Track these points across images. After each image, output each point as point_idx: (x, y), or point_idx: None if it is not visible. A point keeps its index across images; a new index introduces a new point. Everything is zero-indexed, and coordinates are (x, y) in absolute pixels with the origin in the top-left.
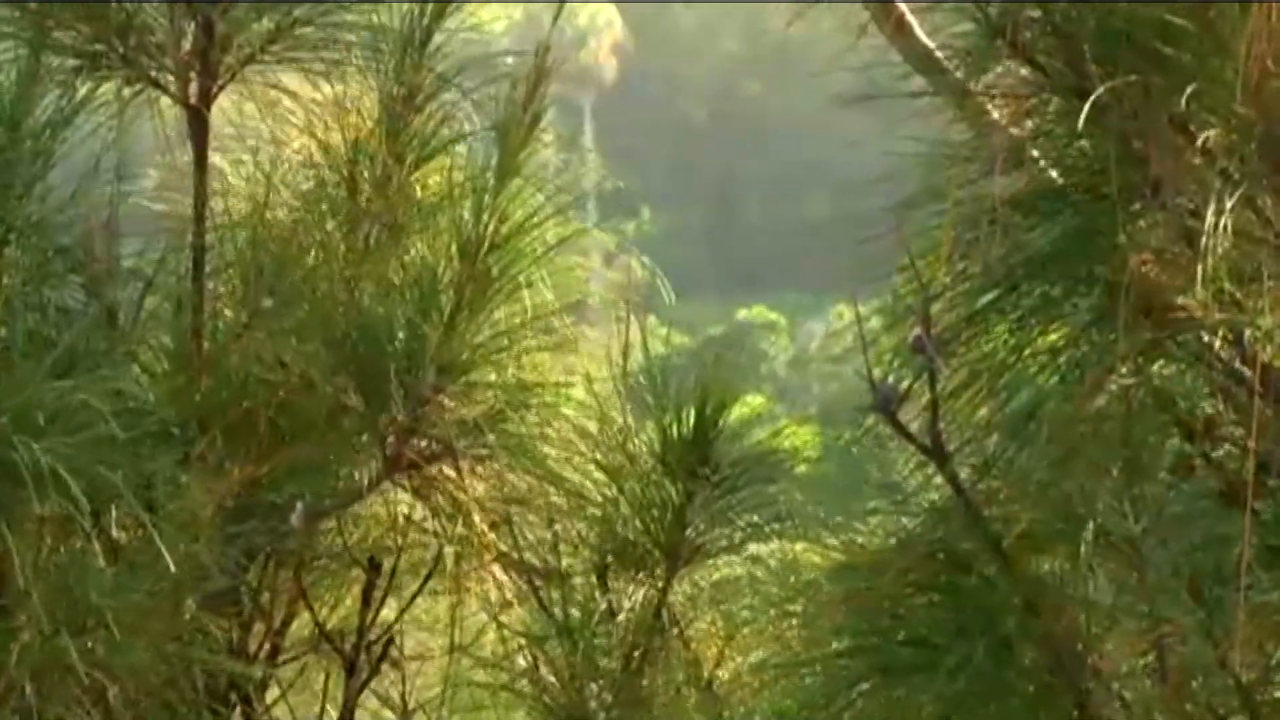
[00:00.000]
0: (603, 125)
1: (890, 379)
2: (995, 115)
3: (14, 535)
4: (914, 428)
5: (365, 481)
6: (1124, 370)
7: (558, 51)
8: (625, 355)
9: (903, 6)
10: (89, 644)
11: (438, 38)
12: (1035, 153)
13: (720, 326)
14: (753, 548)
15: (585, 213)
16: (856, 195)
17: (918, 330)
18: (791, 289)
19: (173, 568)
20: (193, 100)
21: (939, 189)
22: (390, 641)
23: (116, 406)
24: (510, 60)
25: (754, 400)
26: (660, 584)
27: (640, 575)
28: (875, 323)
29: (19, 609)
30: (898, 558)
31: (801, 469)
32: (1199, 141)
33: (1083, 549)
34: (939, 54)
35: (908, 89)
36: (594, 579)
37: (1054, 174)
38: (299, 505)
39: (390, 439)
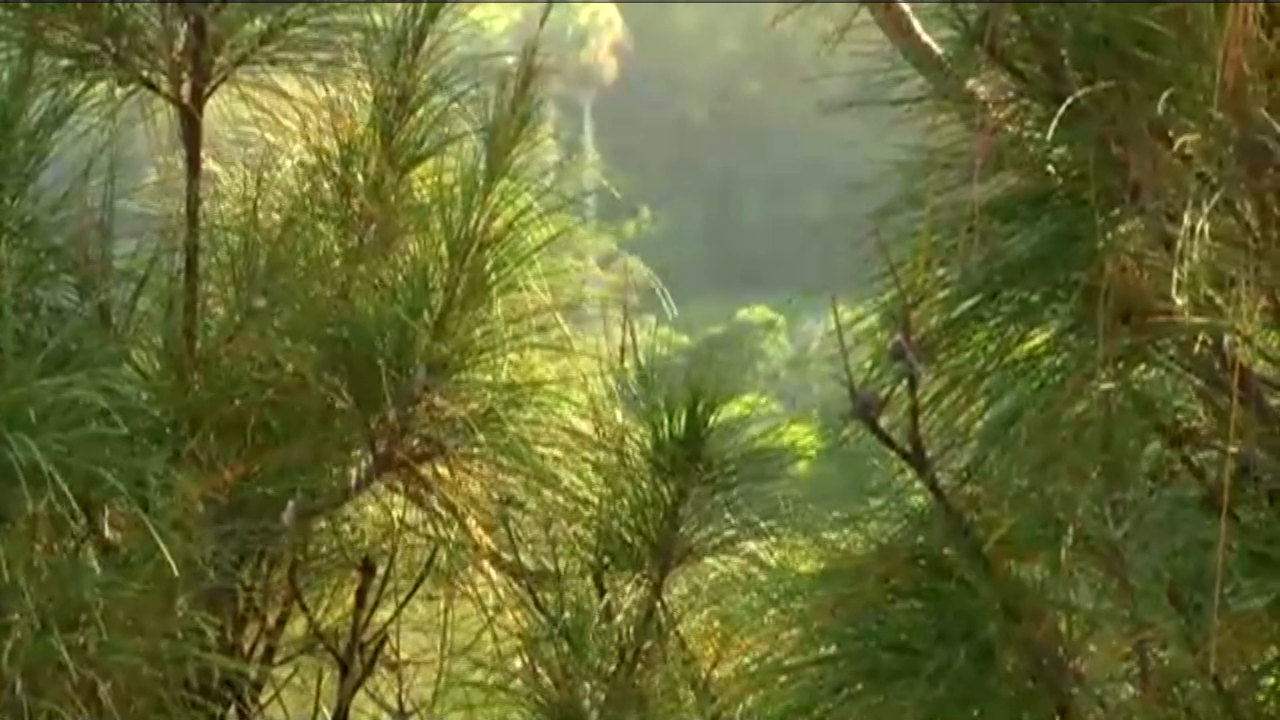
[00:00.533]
0: (603, 125)
1: (869, 385)
2: (977, 121)
3: (5, 532)
4: (896, 433)
5: (355, 480)
6: (1104, 375)
7: (556, 51)
8: (622, 355)
9: (904, 6)
10: (80, 641)
11: (430, 39)
12: (1014, 158)
13: (720, 326)
14: (748, 546)
15: (585, 214)
16: (856, 196)
17: (898, 336)
18: (792, 289)
19: (172, 564)
20: (185, 101)
21: (918, 195)
22: (384, 642)
23: (109, 405)
24: (510, 60)
25: (747, 398)
26: (653, 583)
27: (636, 575)
28: (873, 321)
29: (11, 606)
30: (879, 563)
31: (801, 467)
32: (1177, 146)
33: (1063, 554)
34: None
35: (902, 92)
36: (589, 579)
37: (1033, 180)
38: (290, 504)
39: (381, 438)
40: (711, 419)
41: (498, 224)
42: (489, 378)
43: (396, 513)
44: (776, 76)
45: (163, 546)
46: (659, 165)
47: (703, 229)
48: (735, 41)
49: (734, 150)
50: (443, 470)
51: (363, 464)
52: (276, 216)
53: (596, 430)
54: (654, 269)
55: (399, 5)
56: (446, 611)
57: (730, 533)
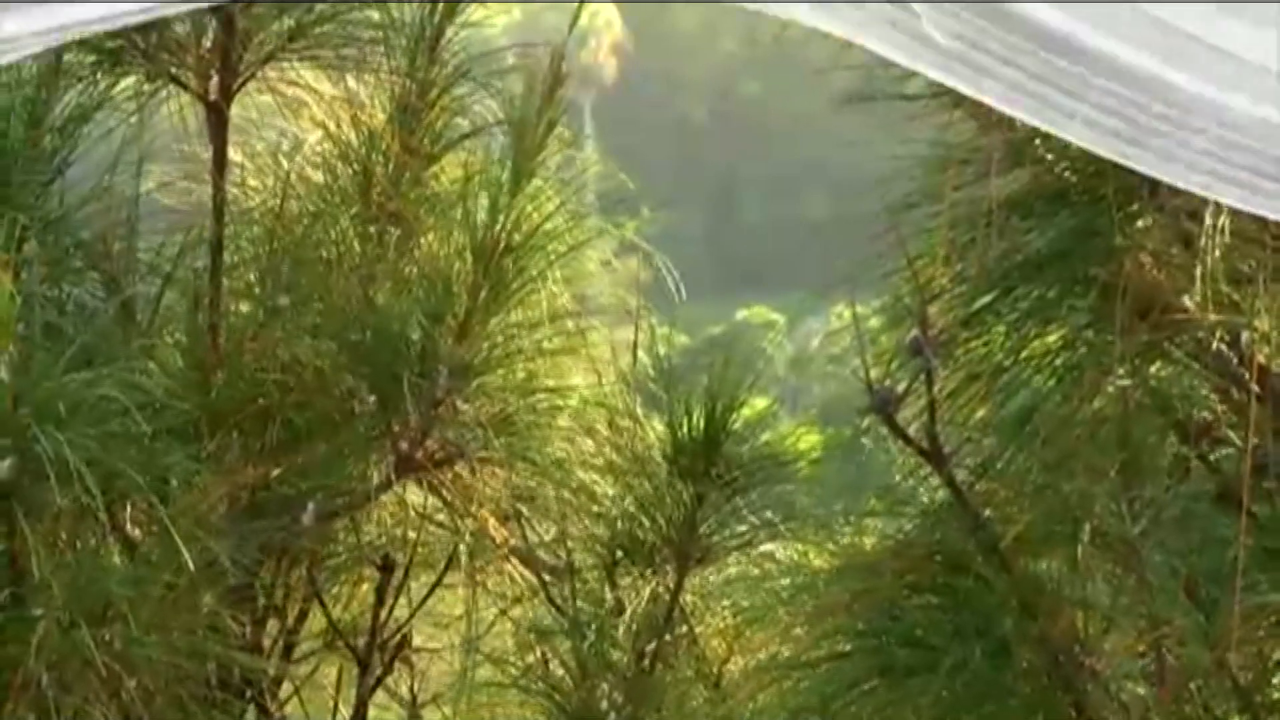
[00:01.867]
0: (603, 125)
1: (887, 380)
2: (993, 117)
3: (32, 527)
4: (912, 429)
5: (377, 482)
6: (1121, 372)
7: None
8: (635, 354)
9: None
10: (107, 636)
11: (451, 30)
12: (1032, 155)
13: (720, 326)
14: (766, 547)
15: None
16: (856, 195)
17: (915, 332)
18: (792, 289)
19: (189, 562)
20: (212, 97)
21: (936, 190)
22: (403, 639)
23: (134, 402)
24: (512, 59)
25: (761, 403)
26: (672, 584)
27: (650, 572)
28: (882, 320)
29: (37, 600)
30: (896, 559)
31: (807, 470)
32: None
33: (1080, 550)
34: None
35: (908, 90)
36: (604, 575)
37: (1051, 175)
38: (310, 505)
39: (403, 440)
40: (730, 422)
41: (524, 228)
42: (510, 380)
43: (415, 500)
44: (776, 76)
45: (182, 547)
46: (659, 165)
47: (703, 229)
48: (735, 41)
49: (734, 150)
50: (462, 473)
51: (384, 465)
52: (300, 204)
53: (610, 426)
54: (654, 269)
55: (418, 2)
56: (468, 610)
57: (749, 536)
